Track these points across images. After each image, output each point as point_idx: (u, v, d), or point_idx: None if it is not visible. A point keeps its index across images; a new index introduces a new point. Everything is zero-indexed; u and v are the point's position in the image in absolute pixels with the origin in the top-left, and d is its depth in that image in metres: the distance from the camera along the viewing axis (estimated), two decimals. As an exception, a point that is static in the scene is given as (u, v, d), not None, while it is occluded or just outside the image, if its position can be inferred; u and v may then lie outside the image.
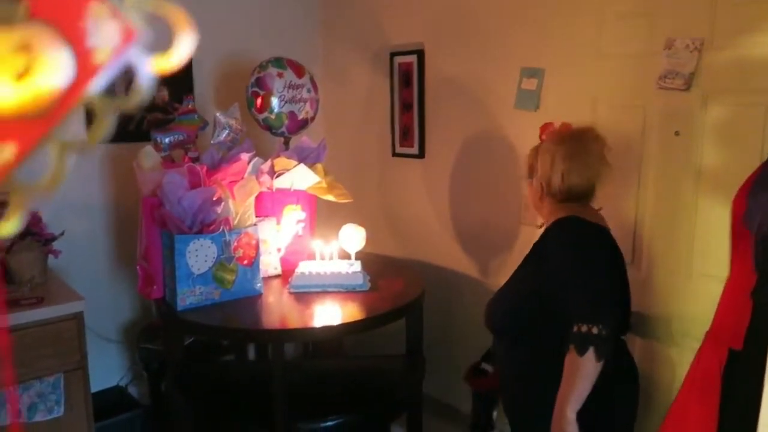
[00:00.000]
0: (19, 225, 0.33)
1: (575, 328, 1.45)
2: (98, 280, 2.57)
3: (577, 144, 1.62)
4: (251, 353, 2.86)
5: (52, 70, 0.32)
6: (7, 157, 0.32)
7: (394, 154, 2.96)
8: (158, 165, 2.13)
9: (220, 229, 1.99)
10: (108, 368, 2.62)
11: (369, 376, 2.36)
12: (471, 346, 2.71)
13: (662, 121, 1.96)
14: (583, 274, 1.54)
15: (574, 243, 1.59)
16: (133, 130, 2.50)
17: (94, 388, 2.17)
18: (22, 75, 0.32)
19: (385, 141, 2.98)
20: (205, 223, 1.98)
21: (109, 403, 2.47)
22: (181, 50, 0.36)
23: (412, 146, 2.86)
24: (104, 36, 0.34)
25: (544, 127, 1.75)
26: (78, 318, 2.04)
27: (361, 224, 2.34)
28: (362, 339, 2.91)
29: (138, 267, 2.17)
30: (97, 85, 0.34)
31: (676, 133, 1.93)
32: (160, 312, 2.13)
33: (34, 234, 2.08)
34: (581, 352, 1.44)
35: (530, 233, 2.54)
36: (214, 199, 1.98)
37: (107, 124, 0.36)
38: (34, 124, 0.32)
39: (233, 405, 2.11)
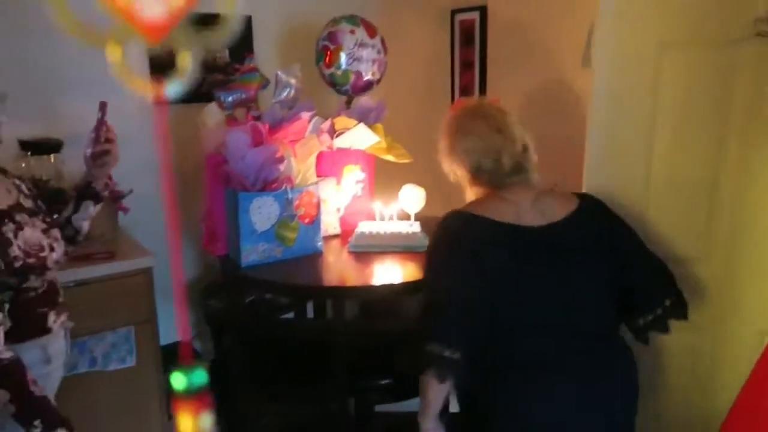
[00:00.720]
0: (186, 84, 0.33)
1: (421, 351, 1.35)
2: (164, 237, 2.63)
3: (467, 121, 1.55)
4: (310, 312, 2.90)
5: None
6: (178, 3, 0.31)
7: (454, 115, 2.90)
8: (222, 123, 2.14)
9: (283, 187, 2.00)
10: (173, 324, 2.70)
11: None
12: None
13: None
14: (427, 282, 1.46)
15: (431, 246, 1.49)
16: (194, 91, 2.52)
17: (162, 341, 2.25)
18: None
19: (444, 101, 2.92)
20: (268, 181, 1.99)
21: (175, 356, 2.55)
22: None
23: (472, 105, 2.79)
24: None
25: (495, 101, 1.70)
26: (147, 273, 2.10)
27: (420, 186, 2.31)
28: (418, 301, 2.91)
29: (203, 224, 2.22)
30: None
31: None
32: (224, 268, 2.17)
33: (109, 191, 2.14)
34: (424, 370, 1.36)
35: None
36: (277, 157, 1.99)
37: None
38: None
39: (292, 361, 2.15)
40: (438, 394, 1.38)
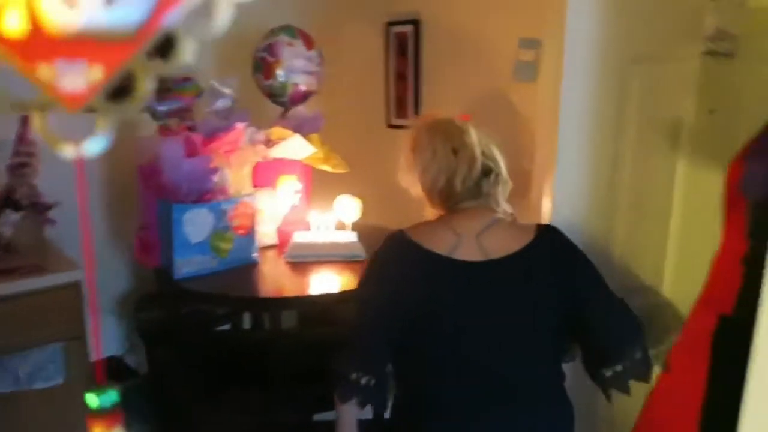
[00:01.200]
0: (105, 144, 0.35)
1: None
2: (94, 250, 2.56)
3: (425, 137, 1.46)
4: (246, 323, 2.88)
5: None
6: (96, 77, 0.34)
7: (390, 126, 2.96)
8: (155, 133, 2.12)
9: (217, 198, 2.00)
10: (104, 338, 2.63)
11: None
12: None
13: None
14: (355, 296, 1.46)
15: (368, 261, 1.47)
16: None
17: (93, 357, 2.19)
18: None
19: (380, 112, 2.98)
20: (202, 192, 1.98)
21: (107, 372, 2.49)
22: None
23: (407, 117, 2.86)
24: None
25: (467, 117, 1.59)
26: (76, 287, 2.04)
27: (356, 196, 2.35)
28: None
29: (136, 236, 2.18)
30: (174, 16, 0.35)
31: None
32: (159, 280, 2.14)
33: (32, 203, 2.07)
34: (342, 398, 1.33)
35: (527, 206, 2.56)
36: (211, 167, 1.98)
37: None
38: (120, 48, 0.34)
39: (230, 372, 2.14)
40: (345, 416, 1.34)
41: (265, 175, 2.32)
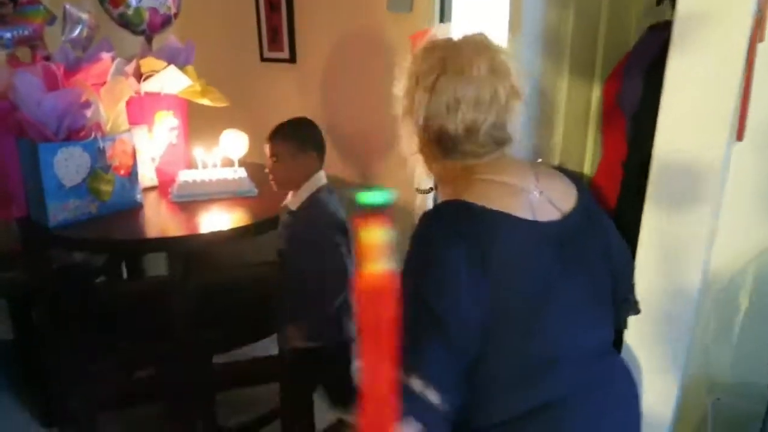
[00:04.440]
0: None
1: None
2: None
3: (455, 55, 0.98)
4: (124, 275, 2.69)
5: None
6: None
7: (263, 59, 2.84)
8: (2, 65, 1.84)
9: (92, 135, 1.80)
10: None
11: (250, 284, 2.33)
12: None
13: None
14: (410, 296, 0.81)
15: (418, 249, 0.94)
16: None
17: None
18: None
19: (251, 44, 2.83)
20: (74, 129, 1.78)
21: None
22: None
23: (282, 50, 2.75)
24: None
25: (416, 37, 1.34)
26: None
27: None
28: (233, 251, 2.84)
29: (-12, 184, 1.91)
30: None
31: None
32: (24, 233, 1.91)
33: None
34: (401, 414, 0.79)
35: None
36: (82, 101, 1.77)
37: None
38: None
39: (123, 324, 2.00)
40: None
41: (138, 111, 2.12)
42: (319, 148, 1.80)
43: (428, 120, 0.99)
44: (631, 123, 1.50)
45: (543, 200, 0.99)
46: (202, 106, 2.29)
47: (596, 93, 1.67)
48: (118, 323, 2.01)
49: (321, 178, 1.78)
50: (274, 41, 2.76)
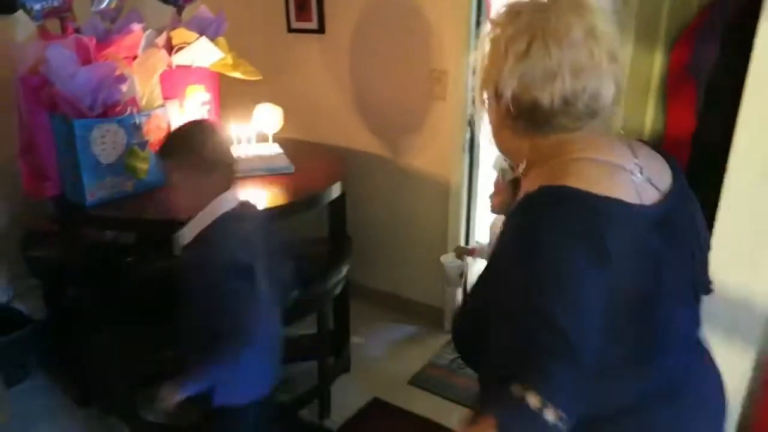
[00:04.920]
0: None
1: (503, 388, 0.77)
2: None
3: (547, 18, 0.86)
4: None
5: None
6: None
7: (290, 30, 2.75)
8: (34, 38, 1.77)
9: (128, 111, 1.74)
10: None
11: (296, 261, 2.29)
12: (386, 226, 2.74)
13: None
14: (521, 301, 0.80)
15: (526, 244, 0.82)
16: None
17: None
18: None
19: (278, 15, 2.74)
20: (109, 104, 1.72)
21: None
22: None
23: (310, 20, 2.66)
24: None
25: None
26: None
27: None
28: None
29: (22, 162, 1.85)
30: None
31: None
32: (60, 211, 1.86)
33: None
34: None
35: (442, 109, 2.54)
36: (117, 75, 1.71)
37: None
38: None
39: (146, 306, 1.95)
40: None
41: (169, 84, 2.04)
42: (216, 162, 1.37)
43: (519, 92, 0.86)
44: (704, 93, 1.42)
45: (644, 180, 0.90)
46: (229, 79, 2.22)
47: (659, 60, 1.56)
48: (150, 301, 1.97)
49: (226, 201, 1.37)
50: (303, 10, 2.67)
